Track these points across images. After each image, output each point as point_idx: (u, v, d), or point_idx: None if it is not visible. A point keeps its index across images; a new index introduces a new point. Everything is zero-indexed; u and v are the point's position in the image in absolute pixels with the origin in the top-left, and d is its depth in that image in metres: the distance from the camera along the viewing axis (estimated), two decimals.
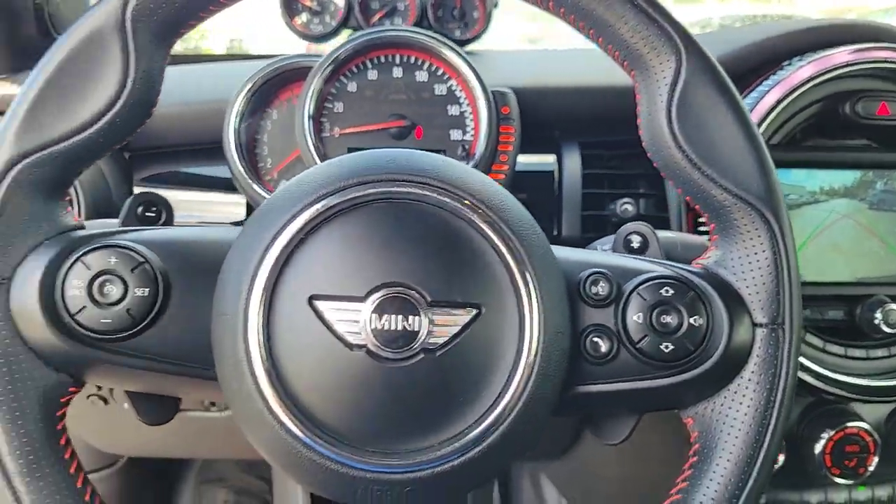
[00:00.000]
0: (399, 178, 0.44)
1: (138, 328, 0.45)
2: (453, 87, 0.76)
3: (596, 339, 0.46)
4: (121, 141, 0.48)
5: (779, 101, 0.71)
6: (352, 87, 0.75)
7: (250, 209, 0.79)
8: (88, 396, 0.89)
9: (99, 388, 0.87)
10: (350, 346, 0.43)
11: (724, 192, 0.47)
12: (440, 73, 0.76)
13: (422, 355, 0.43)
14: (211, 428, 0.91)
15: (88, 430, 0.97)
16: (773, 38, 0.75)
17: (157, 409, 0.57)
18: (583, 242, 0.63)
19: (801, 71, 0.72)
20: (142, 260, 0.45)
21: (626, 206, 0.78)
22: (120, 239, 0.47)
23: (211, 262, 0.46)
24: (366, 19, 0.95)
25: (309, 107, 0.72)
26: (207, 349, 0.45)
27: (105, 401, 0.89)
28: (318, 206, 0.43)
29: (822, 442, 0.76)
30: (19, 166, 0.44)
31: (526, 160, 0.80)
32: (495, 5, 0.97)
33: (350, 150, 0.75)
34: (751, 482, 0.45)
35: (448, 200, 0.44)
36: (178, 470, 1.38)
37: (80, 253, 0.45)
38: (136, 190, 0.81)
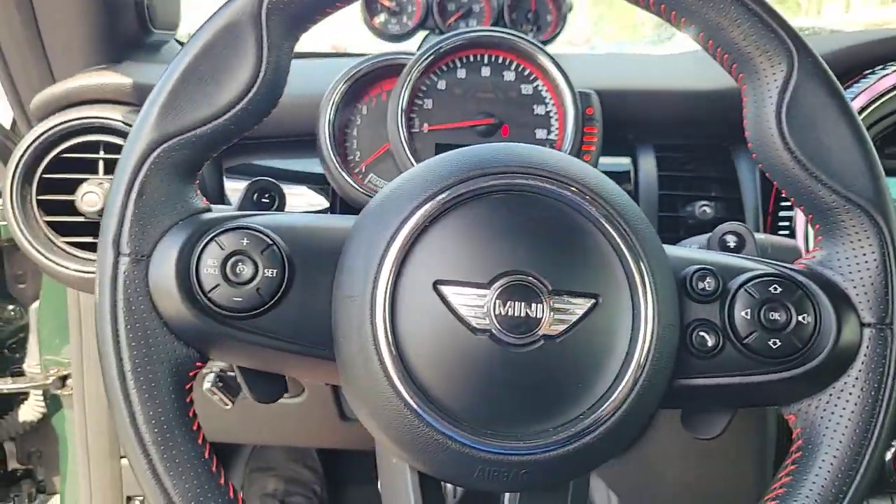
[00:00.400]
0: (520, 171, 0.46)
1: (265, 307, 0.47)
2: (539, 88, 0.78)
3: (702, 334, 0.47)
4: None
5: (863, 109, 0.73)
6: (441, 84, 0.78)
7: (342, 203, 0.81)
8: None
9: None
10: (474, 330, 0.44)
11: (833, 192, 0.48)
12: (527, 73, 0.78)
13: (542, 342, 0.44)
14: (283, 414, 0.94)
15: None
16: (857, 46, 0.77)
17: (268, 387, 0.59)
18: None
19: (886, 80, 0.73)
20: (270, 242, 0.47)
21: (704, 208, 0.80)
22: (250, 222, 0.49)
23: (328, 248, 0.48)
24: (443, 21, 0.97)
25: (403, 102, 0.74)
26: (325, 330, 0.47)
27: None
28: (444, 195, 0.45)
29: (893, 449, 0.77)
30: (159, 150, 0.47)
31: (601, 161, 0.82)
32: (570, 8, 0.99)
33: (438, 146, 0.77)
34: (857, 479, 0.47)
35: (567, 193, 0.46)
36: (227, 458, 1.40)
37: (214, 233, 0.47)
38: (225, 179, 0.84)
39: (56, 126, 0.73)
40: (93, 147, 0.74)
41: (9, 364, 1.25)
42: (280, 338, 0.48)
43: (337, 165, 0.75)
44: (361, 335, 0.45)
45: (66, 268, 0.72)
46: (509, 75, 0.78)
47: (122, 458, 1.14)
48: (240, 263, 0.47)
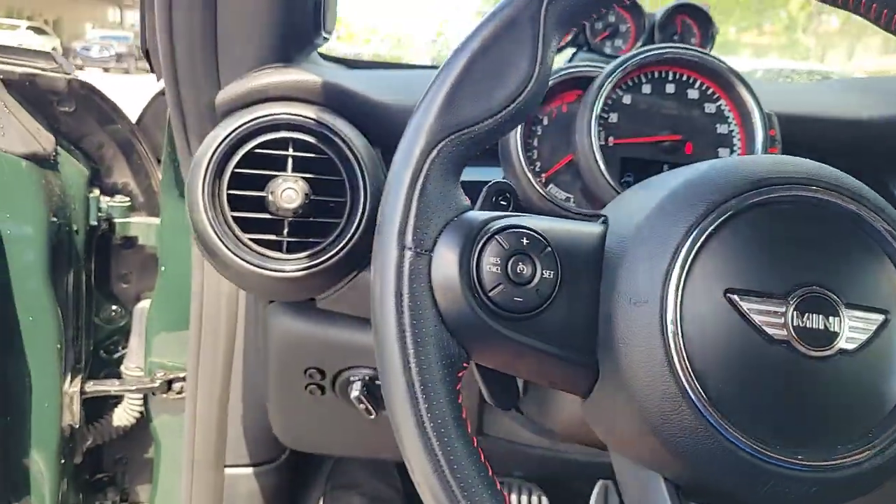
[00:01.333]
0: (804, 183, 0.46)
1: (539, 309, 0.47)
2: (722, 107, 0.78)
3: None
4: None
5: None
6: (626, 99, 0.78)
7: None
8: (307, 386, 0.90)
9: (321, 376, 0.88)
10: (770, 340, 0.43)
11: None
12: (710, 91, 0.78)
13: (839, 356, 0.44)
14: None
15: (286, 421, 0.98)
16: None
17: (507, 393, 0.58)
18: None
19: None
20: (547, 243, 0.47)
21: None
22: (524, 222, 0.48)
23: (590, 250, 0.48)
24: (593, 38, 0.98)
25: (595, 114, 0.74)
26: (589, 335, 0.47)
27: (322, 390, 0.90)
28: (732, 202, 0.45)
29: None
30: (440, 144, 0.46)
31: None
32: (717, 31, 1.00)
33: (623, 160, 0.77)
34: None
35: (852, 208, 0.46)
36: (307, 474, 1.38)
37: (494, 231, 0.47)
38: None
39: (250, 121, 0.72)
40: (281, 144, 0.73)
41: (105, 366, 1.23)
42: (548, 341, 0.47)
43: (530, 177, 0.75)
44: (650, 342, 0.44)
45: (254, 265, 0.71)
46: (693, 93, 0.78)
47: (226, 467, 1.11)
48: (520, 263, 0.46)
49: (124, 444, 1.26)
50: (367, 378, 0.87)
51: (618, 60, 0.76)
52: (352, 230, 0.74)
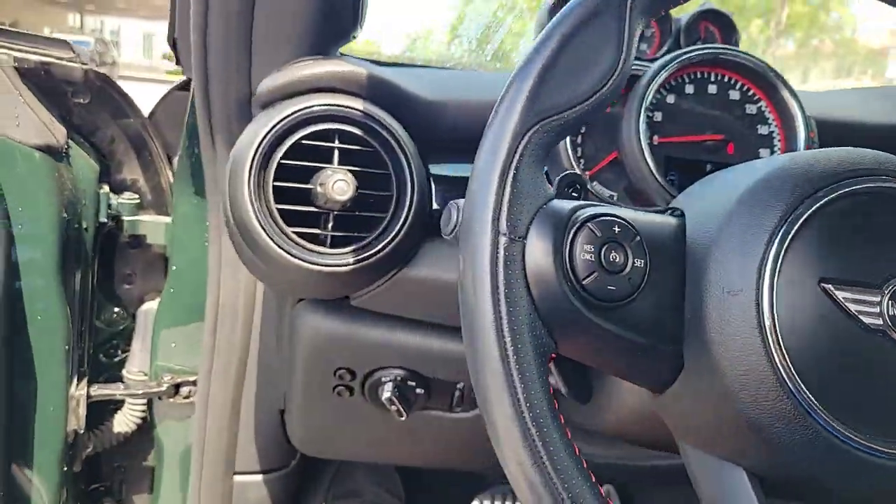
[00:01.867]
0: (892, 174, 0.47)
1: (630, 298, 0.46)
2: (763, 108, 0.79)
3: None
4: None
5: None
6: (670, 98, 0.78)
7: None
8: (335, 388, 0.87)
9: (351, 377, 0.86)
10: (866, 328, 0.44)
11: None
12: (751, 93, 0.79)
13: None
14: (452, 429, 0.90)
15: (308, 425, 0.95)
16: None
17: (585, 386, 0.57)
18: None
19: None
20: (636, 232, 0.47)
21: None
22: (611, 210, 0.48)
23: (672, 238, 0.49)
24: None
25: (642, 113, 0.74)
26: (675, 324, 0.47)
27: (351, 392, 0.87)
28: (822, 192, 0.45)
29: None
30: (531, 131, 0.46)
31: None
32: (739, 38, 1.01)
33: (668, 159, 0.77)
34: None
35: None
36: (310, 480, 1.34)
37: (585, 219, 0.46)
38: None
39: (298, 111, 0.70)
40: (327, 136, 0.71)
41: (104, 370, 1.18)
42: (636, 330, 0.46)
43: (578, 173, 0.74)
44: (745, 331, 0.43)
45: (299, 258, 0.69)
46: (734, 94, 0.79)
47: (235, 474, 1.08)
48: (613, 251, 0.46)
49: (123, 452, 1.21)
50: (398, 378, 0.85)
51: (663, 60, 0.76)
52: (398, 225, 0.72)
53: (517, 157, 0.46)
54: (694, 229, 0.49)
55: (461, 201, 0.57)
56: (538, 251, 0.45)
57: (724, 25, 1.02)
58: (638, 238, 0.47)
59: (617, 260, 0.46)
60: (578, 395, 0.56)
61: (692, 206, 0.52)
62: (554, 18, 0.49)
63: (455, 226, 0.56)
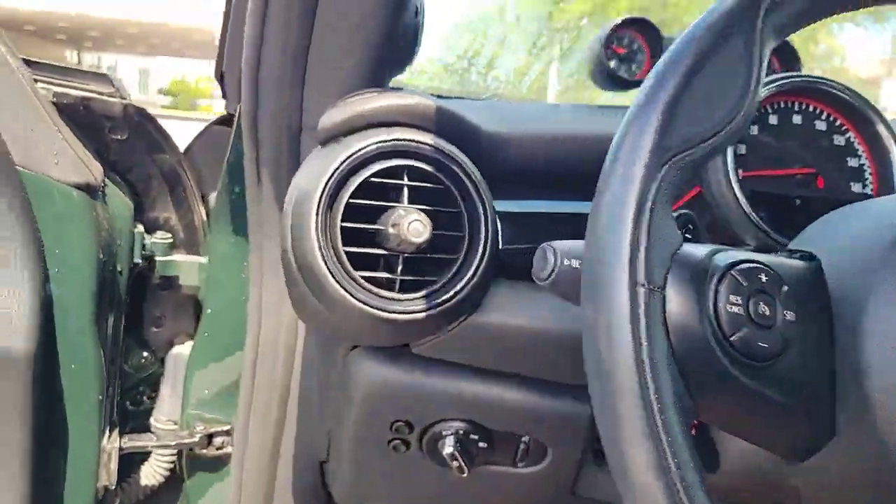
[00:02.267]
0: None
1: (781, 355, 0.41)
2: (851, 139, 0.75)
3: None
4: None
5: None
6: (753, 130, 0.73)
7: None
8: (390, 441, 0.81)
9: (409, 430, 0.79)
10: None
11: None
12: (837, 123, 0.75)
13: None
14: (515, 485, 0.84)
15: (356, 480, 0.89)
16: None
17: (712, 454, 0.51)
18: None
19: None
20: (783, 281, 0.42)
21: None
22: (754, 256, 0.43)
23: (814, 289, 0.44)
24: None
25: (732, 147, 0.69)
26: (827, 384, 0.42)
27: (408, 446, 0.81)
28: None
29: None
30: (664, 168, 0.42)
31: None
32: (802, 66, 0.97)
33: (754, 193, 0.72)
34: None
35: None
36: None
37: (728, 266, 0.42)
38: None
39: (366, 147, 0.65)
40: (396, 173, 0.67)
41: (130, 418, 1.12)
42: (784, 391, 0.42)
43: (691, 213, 0.69)
44: None
45: (368, 305, 0.64)
46: (820, 125, 0.75)
47: None
48: (761, 303, 0.41)
49: None
50: (460, 432, 0.79)
51: None
52: (472, 268, 0.67)
53: (650, 198, 0.41)
54: (838, 275, 0.44)
55: (557, 244, 0.52)
56: (680, 303, 0.40)
57: (785, 54, 0.98)
58: (786, 288, 0.42)
59: (766, 313, 0.41)
60: (710, 465, 0.50)
61: (824, 249, 0.47)
62: (674, 45, 0.45)
63: (552, 271, 0.51)
